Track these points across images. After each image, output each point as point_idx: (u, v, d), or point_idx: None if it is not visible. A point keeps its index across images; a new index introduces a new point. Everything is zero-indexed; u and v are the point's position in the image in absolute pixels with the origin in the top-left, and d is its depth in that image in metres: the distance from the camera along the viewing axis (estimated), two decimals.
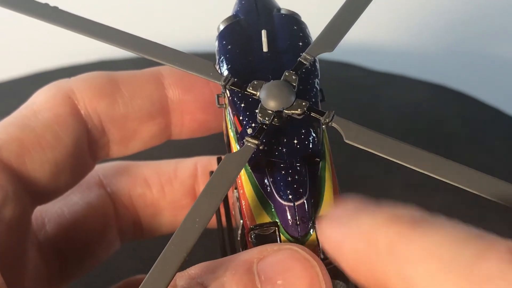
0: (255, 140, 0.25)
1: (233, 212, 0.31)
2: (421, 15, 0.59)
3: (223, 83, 0.26)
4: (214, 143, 0.35)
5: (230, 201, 0.32)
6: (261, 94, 0.26)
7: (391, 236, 0.20)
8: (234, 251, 0.32)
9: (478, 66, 0.57)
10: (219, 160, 0.32)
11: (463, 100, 0.54)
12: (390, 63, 0.56)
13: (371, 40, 0.58)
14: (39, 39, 0.58)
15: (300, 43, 0.28)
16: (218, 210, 0.33)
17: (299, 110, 0.25)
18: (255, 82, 0.26)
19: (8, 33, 0.58)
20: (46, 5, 0.28)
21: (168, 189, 0.37)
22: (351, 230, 0.21)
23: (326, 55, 0.48)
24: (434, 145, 0.50)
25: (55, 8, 0.28)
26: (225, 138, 0.31)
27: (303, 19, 0.30)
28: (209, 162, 0.37)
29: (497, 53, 0.57)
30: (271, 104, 0.25)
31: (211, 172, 0.31)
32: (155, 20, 0.61)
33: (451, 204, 0.45)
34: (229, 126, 0.28)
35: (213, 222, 0.34)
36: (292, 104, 0.25)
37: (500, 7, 0.59)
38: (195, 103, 0.34)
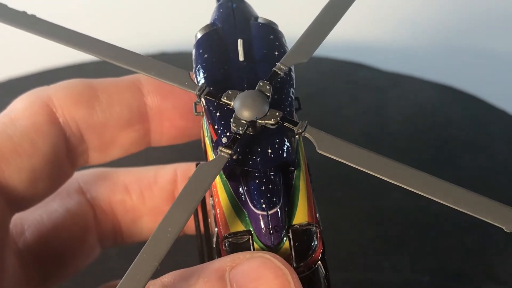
0: (228, 149, 0.25)
1: (209, 220, 0.31)
2: (430, 16, 0.59)
3: (198, 93, 0.27)
4: (194, 150, 0.35)
5: (208, 208, 0.32)
6: (235, 104, 0.26)
7: None
8: (211, 258, 0.32)
9: (486, 67, 0.57)
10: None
11: (470, 101, 0.54)
12: (398, 63, 0.56)
13: (380, 41, 0.58)
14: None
15: (276, 53, 0.28)
16: (197, 217, 0.33)
17: (272, 120, 0.25)
18: (230, 92, 0.26)
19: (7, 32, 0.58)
20: (24, 13, 0.28)
21: (148, 195, 0.37)
22: None
23: (334, 54, 0.48)
24: (438, 146, 0.50)
25: (33, 16, 0.28)
26: (202, 145, 0.31)
27: (281, 28, 0.30)
28: (189, 168, 0.37)
29: (506, 55, 0.58)
30: (245, 114, 0.25)
31: None
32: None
33: (451, 207, 0.45)
34: (205, 134, 0.28)
35: (193, 228, 0.34)
36: (266, 114, 0.25)
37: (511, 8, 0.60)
38: (174, 110, 0.34)
